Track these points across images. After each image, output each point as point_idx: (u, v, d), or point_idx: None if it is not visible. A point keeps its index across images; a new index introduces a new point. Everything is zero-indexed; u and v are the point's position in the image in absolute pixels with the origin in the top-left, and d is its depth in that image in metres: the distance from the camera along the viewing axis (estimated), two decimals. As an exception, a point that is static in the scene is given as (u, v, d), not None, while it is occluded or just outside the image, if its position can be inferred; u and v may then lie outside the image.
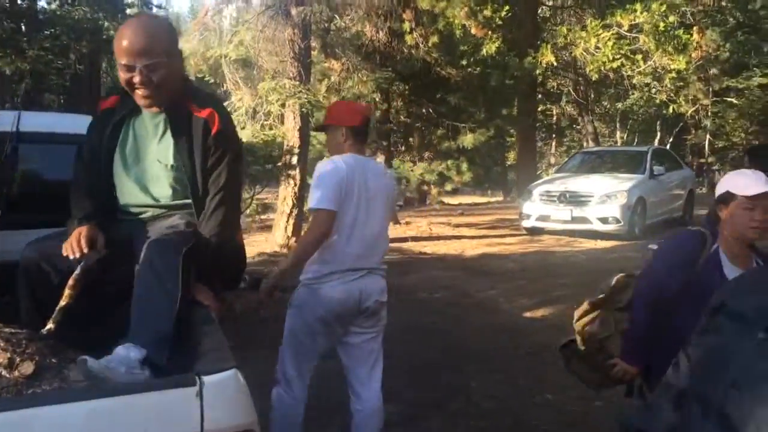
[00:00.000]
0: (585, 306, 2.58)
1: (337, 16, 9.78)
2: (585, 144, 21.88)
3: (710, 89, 22.20)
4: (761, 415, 0.92)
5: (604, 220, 10.32)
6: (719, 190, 2.42)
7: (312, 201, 2.83)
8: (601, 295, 2.54)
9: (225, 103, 9.47)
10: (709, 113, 23.03)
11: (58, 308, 1.89)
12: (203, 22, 8.85)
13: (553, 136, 26.80)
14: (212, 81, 9.43)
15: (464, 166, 10.39)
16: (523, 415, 4.04)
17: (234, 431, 1.39)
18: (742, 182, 2.34)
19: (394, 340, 5.41)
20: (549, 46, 12.73)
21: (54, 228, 2.23)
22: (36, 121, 3.28)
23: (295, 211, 9.42)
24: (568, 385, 4.56)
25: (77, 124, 2.97)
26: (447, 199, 19.55)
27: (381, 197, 2.94)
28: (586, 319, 2.56)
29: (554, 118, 26.53)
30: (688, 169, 13.84)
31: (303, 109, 8.53)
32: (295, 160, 9.11)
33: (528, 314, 6.41)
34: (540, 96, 23.23)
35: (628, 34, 13.03)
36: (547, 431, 3.88)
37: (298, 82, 8.35)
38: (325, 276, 2.84)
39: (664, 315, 2.37)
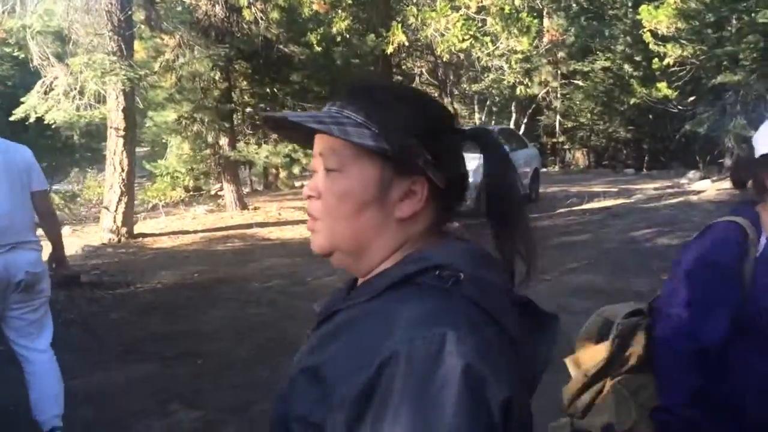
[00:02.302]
0: (578, 377, 1.55)
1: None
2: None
3: (558, 72, 23.28)
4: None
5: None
6: (763, 143, 1.47)
7: None
8: (601, 360, 1.50)
9: (39, 81, 8.59)
10: (558, 95, 24.18)
11: None
12: (4, -11, 7.84)
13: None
14: (21, 56, 8.43)
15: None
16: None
17: None
18: None
19: (209, 339, 5.06)
20: (400, 26, 12.63)
21: None
22: None
23: (124, 199, 8.67)
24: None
25: None
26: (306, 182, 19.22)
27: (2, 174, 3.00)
28: (585, 399, 1.53)
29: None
30: (534, 148, 14.32)
31: (125, 87, 7.79)
32: (121, 143, 8.35)
33: (362, 300, 6.22)
34: (400, 78, 23.37)
35: (477, 15, 13.22)
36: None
37: (117, 57, 7.60)
38: None
39: (714, 369, 1.44)
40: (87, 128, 9.10)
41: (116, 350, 4.78)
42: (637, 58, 20.96)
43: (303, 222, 10.60)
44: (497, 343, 0.71)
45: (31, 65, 8.15)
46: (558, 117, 24.91)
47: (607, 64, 22.25)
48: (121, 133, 8.24)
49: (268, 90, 10.70)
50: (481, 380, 0.66)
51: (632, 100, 20.89)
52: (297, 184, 14.09)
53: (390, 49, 12.68)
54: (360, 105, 0.81)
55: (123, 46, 7.82)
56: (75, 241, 8.83)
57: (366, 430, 0.66)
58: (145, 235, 9.45)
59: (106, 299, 6.27)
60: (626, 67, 21.75)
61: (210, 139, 10.77)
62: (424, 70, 19.47)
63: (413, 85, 25.65)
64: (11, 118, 8.68)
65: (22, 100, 8.83)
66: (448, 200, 0.86)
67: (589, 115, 24.29)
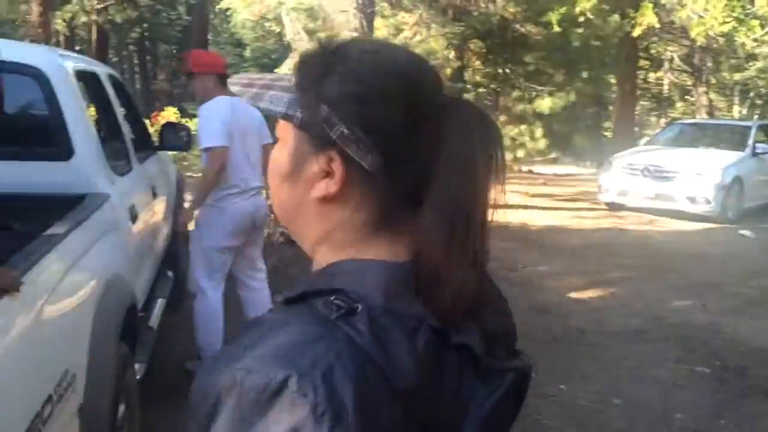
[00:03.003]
0: None
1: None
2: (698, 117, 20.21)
3: None
4: None
5: (692, 200, 9.38)
6: None
7: (204, 141, 3.35)
8: None
9: (290, 55, 9.35)
10: None
11: None
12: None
13: (662, 105, 24.97)
14: (277, 30, 9.26)
15: (538, 132, 9.68)
16: (524, 406, 3.63)
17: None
18: None
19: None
20: (652, 6, 11.62)
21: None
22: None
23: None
24: (590, 375, 4.12)
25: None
26: (539, 168, 18.69)
27: (252, 128, 3.53)
28: None
29: (666, 87, 24.68)
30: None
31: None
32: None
33: (573, 295, 5.90)
34: (650, 63, 21.59)
35: (743, -5, 11.70)
36: (547, 426, 3.46)
37: (359, 34, 7.99)
38: (226, 197, 3.40)
39: None
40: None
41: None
42: None
43: (524, 207, 10.35)
44: (357, 398, 0.57)
45: (284, 40, 8.93)
46: (843, 116, 21.24)
47: None
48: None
49: (500, 70, 10.54)
50: None
51: None
52: (524, 168, 13.82)
53: (638, 32, 11.75)
54: (304, 67, 0.70)
55: (365, 23, 8.19)
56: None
57: None
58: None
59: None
60: None
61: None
62: (675, 55, 17.76)
63: (664, 71, 23.37)
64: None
65: (276, 71, 9.74)
66: (402, 191, 0.67)
67: None
